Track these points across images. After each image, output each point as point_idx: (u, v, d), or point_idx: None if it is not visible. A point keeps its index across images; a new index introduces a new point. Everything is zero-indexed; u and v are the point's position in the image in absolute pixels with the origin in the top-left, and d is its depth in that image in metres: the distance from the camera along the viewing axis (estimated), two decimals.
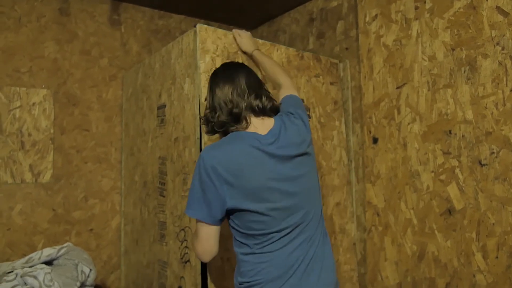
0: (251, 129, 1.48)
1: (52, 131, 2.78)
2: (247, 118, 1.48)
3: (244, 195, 1.36)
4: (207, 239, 1.45)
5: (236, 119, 1.47)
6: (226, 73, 1.54)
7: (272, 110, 1.55)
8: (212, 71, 1.66)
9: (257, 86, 1.53)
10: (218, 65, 1.90)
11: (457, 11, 2.05)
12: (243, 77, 1.52)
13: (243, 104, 1.47)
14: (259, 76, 1.70)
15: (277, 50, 2.41)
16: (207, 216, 1.41)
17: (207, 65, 2.01)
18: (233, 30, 2.15)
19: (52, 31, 2.83)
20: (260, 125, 1.49)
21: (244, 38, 2.13)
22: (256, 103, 1.48)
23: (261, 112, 1.50)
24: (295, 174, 1.44)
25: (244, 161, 1.37)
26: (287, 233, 1.41)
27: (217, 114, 1.48)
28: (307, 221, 1.45)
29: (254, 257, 1.43)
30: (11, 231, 2.61)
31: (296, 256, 1.40)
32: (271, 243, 1.41)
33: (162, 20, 3.30)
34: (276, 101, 1.59)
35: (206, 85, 1.89)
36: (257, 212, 1.38)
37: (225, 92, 1.48)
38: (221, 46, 2.10)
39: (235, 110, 1.46)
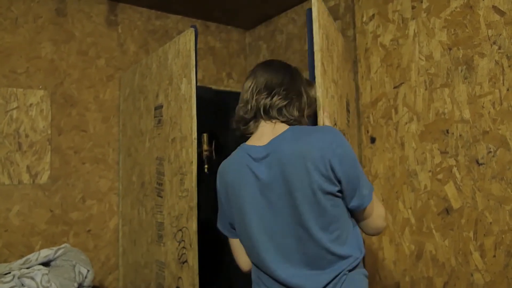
0: (256, 136, 1.33)
1: (49, 132, 2.78)
2: (255, 121, 1.34)
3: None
4: (233, 252, 1.44)
5: (243, 121, 1.36)
6: (258, 67, 1.40)
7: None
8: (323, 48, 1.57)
9: (278, 85, 1.31)
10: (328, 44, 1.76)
11: (454, 10, 2.05)
12: (268, 74, 1.34)
13: (253, 103, 1.32)
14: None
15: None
16: (223, 229, 1.40)
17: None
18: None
19: (49, 31, 2.82)
20: (268, 131, 1.31)
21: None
22: (264, 102, 1.30)
23: (268, 112, 1.30)
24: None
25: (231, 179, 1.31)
26: None
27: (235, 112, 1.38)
28: None
29: None
30: (8, 232, 2.61)
31: None
32: None
33: (159, 21, 3.29)
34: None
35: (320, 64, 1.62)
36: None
37: (245, 88, 1.36)
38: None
39: (243, 110, 1.34)
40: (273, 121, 1.31)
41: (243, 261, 1.41)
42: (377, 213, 1.29)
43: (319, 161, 1.16)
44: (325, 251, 1.20)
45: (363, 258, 1.30)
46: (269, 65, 1.39)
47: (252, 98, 1.31)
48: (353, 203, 1.23)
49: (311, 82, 1.49)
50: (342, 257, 1.22)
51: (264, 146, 1.26)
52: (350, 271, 1.23)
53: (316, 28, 1.59)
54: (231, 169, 1.33)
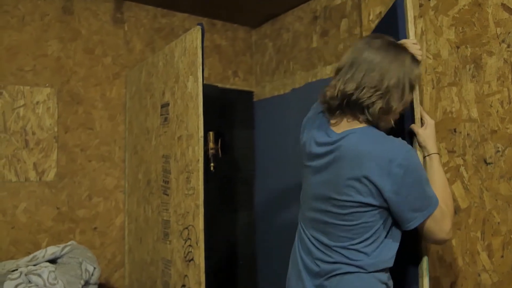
0: (335, 118, 1.38)
1: (56, 129, 2.79)
2: (340, 111, 1.34)
3: None
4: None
5: (327, 104, 1.38)
6: (360, 44, 1.37)
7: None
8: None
9: (370, 77, 1.26)
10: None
11: (462, 8, 2.03)
12: (366, 57, 1.29)
13: (338, 90, 1.31)
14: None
15: None
16: None
17: None
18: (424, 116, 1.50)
19: (56, 29, 2.83)
20: (344, 123, 1.34)
21: (429, 129, 1.46)
22: (350, 94, 1.28)
23: (352, 107, 1.30)
24: None
25: None
26: None
27: None
28: None
29: None
30: (15, 229, 2.62)
31: None
32: None
33: (165, 19, 3.29)
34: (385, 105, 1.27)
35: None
36: None
37: (338, 66, 1.39)
38: None
39: (330, 92, 1.36)
40: (353, 115, 1.32)
41: None
42: (429, 230, 1.29)
43: (370, 172, 1.21)
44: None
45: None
46: (370, 44, 1.33)
47: (340, 84, 1.30)
48: (399, 222, 1.29)
49: (416, 61, 1.36)
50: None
51: (335, 134, 1.32)
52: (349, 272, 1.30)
53: (411, 17, 1.52)
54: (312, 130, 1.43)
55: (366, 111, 1.28)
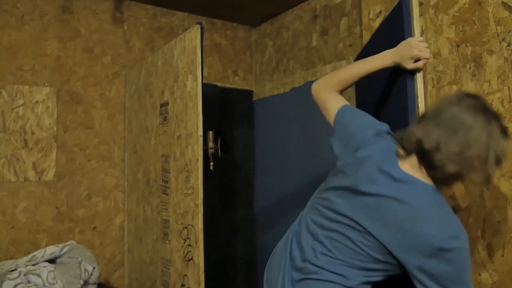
0: (403, 156, 1.30)
1: (55, 129, 2.78)
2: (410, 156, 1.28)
3: None
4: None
5: (402, 144, 1.31)
6: (450, 101, 1.23)
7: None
8: None
9: (457, 146, 1.15)
10: None
11: (462, 7, 2.02)
12: (456, 123, 1.17)
13: (415, 140, 1.23)
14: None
15: None
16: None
17: None
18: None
19: (55, 28, 2.82)
20: (410, 169, 1.26)
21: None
22: (429, 152, 1.20)
23: (426, 163, 1.22)
24: None
25: None
26: None
27: None
28: None
29: None
30: (14, 229, 2.62)
31: None
32: None
33: (165, 18, 3.29)
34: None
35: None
36: None
37: (423, 114, 1.29)
38: None
39: (406, 137, 1.29)
40: (421, 165, 1.22)
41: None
42: None
43: (418, 242, 1.16)
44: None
45: None
46: (461, 101, 1.20)
47: (420, 133, 1.21)
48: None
49: (505, 133, 1.19)
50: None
51: (400, 171, 1.23)
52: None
53: (417, 15, 1.50)
54: (374, 143, 1.32)
55: (437, 171, 1.19)
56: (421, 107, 1.47)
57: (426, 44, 1.42)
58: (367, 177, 1.27)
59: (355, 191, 1.28)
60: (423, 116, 1.26)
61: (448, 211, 1.21)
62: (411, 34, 1.50)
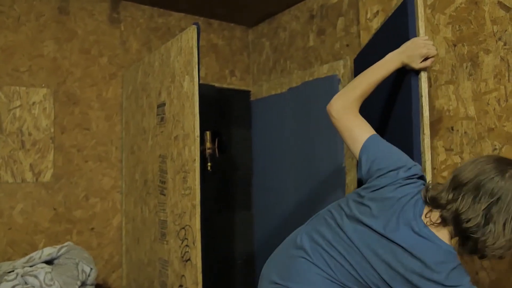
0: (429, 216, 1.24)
1: (52, 130, 2.78)
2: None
3: None
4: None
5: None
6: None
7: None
8: None
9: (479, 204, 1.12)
10: None
11: (459, 6, 2.03)
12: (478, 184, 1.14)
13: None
14: None
15: None
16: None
17: None
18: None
19: (52, 30, 2.82)
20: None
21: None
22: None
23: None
24: None
25: None
26: None
27: None
28: None
29: None
30: (12, 230, 2.61)
31: None
32: None
33: (162, 18, 3.28)
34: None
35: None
36: None
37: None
38: None
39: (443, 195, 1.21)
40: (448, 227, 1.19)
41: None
42: None
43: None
44: None
45: None
46: (504, 171, 1.12)
47: (459, 205, 1.14)
48: None
49: None
50: None
51: (421, 226, 1.19)
52: None
53: (422, 14, 1.50)
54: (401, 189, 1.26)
55: (475, 251, 1.15)
56: (425, 106, 1.46)
57: (431, 42, 1.43)
58: (389, 220, 1.22)
59: (375, 231, 1.24)
60: (460, 184, 1.17)
61: (459, 272, 1.15)
62: (415, 34, 1.50)
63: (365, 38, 2.56)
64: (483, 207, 1.10)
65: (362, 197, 1.32)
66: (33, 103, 2.72)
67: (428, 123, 1.48)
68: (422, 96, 1.48)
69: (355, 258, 1.24)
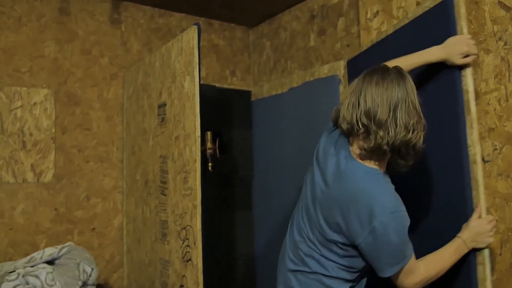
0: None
1: (53, 130, 2.78)
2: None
3: None
4: None
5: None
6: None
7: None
8: None
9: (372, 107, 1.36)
10: None
11: None
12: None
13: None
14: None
15: None
16: None
17: None
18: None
19: (52, 30, 2.82)
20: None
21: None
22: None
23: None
24: None
25: None
26: None
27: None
28: None
29: None
30: (13, 230, 2.61)
31: None
32: None
33: (163, 19, 3.29)
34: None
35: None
36: None
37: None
38: None
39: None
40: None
41: None
42: (399, 282, 1.40)
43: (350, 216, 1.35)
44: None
45: None
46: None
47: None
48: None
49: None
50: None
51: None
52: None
53: (464, 14, 1.54)
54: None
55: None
56: (472, 102, 1.51)
57: (473, 41, 1.50)
58: None
59: None
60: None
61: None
62: (456, 33, 1.54)
63: (365, 38, 2.56)
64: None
65: None
66: (34, 103, 2.73)
67: (476, 118, 1.52)
68: (468, 92, 1.52)
69: None
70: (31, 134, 2.70)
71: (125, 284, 2.96)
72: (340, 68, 2.68)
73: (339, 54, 2.79)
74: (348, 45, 2.74)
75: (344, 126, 1.39)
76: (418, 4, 2.23)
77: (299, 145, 2.95)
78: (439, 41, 1.56)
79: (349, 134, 1.43)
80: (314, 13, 3.05)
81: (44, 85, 2.77)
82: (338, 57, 2.81)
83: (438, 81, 1.66)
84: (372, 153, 1.37)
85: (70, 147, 2.85)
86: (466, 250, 1.45)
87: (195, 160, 2.06)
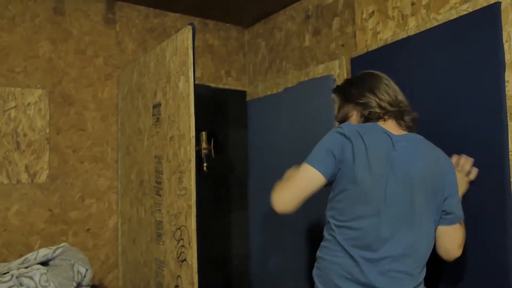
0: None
1: (47, 131, 2.77)
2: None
3: None
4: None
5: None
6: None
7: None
8: None
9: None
10: None
11: (453, 6, 2.03)
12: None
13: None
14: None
15: None
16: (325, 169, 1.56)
17: None
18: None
19: (47, 30, 2.81)
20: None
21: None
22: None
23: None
24: None
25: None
26: None
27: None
28: None
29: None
30: (7, 231, 2.60)
31: None
32: None
33: (158, 19, 3.28)
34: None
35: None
36: None
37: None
38: None
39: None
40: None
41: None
42: None
43: None
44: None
45: None
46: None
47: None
48: None
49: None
50: None
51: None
52: None
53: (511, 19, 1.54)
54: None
55: None
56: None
57: (470, 163, 1.66)
58: None
59: None
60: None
61: None
62: (502, 39, 1.57)
63: (361, 38, 2.56)
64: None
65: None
66: (28, 104, 2.71)
67: None
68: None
69: None
70: (25, 135, 2.69)
71: (120, 285, 2.95)
72: (335, 68, 2.68)
73: (334, 54, 2.79)
74: (343, 45, 2.74)
75: (390, 108, 1.56)
76: (413, 4, 2.24)
77: (294, 144, 2.96)
78: (474, 45, 1.61)
79: (390, 116, 1.58)
80: (309, 13, 3.05)
81: (38, 85, 2.76)
82: (333, 57, 2.81)
83: (481, 86, 1.68)
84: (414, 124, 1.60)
85: (65, 148, 2.84)
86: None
87: (190, 160, 2.06)
